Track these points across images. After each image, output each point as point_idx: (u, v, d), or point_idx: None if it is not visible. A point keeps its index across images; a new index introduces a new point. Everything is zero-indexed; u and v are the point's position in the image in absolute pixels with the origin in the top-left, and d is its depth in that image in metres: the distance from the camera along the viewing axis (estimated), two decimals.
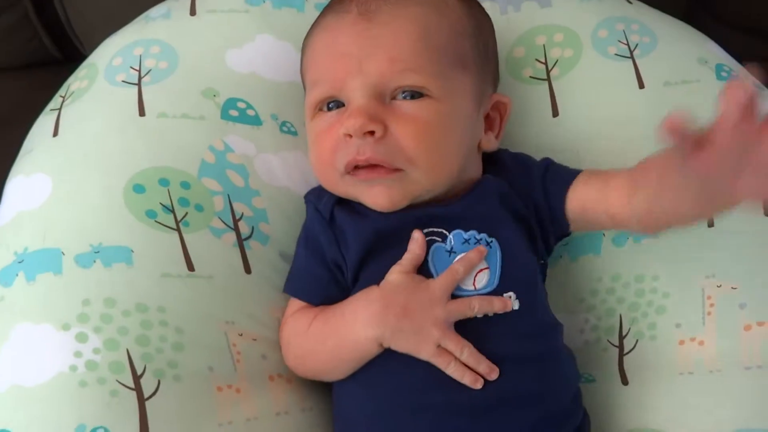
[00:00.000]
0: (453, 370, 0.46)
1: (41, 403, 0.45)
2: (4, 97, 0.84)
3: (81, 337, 0.46)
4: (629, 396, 0.55)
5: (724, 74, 0.61)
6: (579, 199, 0.51)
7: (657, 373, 0.55)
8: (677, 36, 0.63)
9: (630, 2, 0.65)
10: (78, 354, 0.46)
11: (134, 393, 0.46)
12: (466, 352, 0.46)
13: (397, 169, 0.48)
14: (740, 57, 0.85)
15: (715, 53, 0.63)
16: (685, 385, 0.53)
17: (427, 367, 0.47)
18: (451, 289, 0.47)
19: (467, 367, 0.46)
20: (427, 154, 0.48)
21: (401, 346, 0.47)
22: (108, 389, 0.46)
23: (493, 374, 0.46)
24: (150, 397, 0.46)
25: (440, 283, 0.47)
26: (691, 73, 0.60)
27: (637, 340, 0.56)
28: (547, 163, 0.54)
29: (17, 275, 0.49)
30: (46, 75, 0.85)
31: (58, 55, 0.87)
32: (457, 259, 0.48)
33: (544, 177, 0.52)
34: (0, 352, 0.47)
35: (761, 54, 0.90)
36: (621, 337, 0.57)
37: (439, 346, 0.46)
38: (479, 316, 0.47)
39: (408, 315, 0.47)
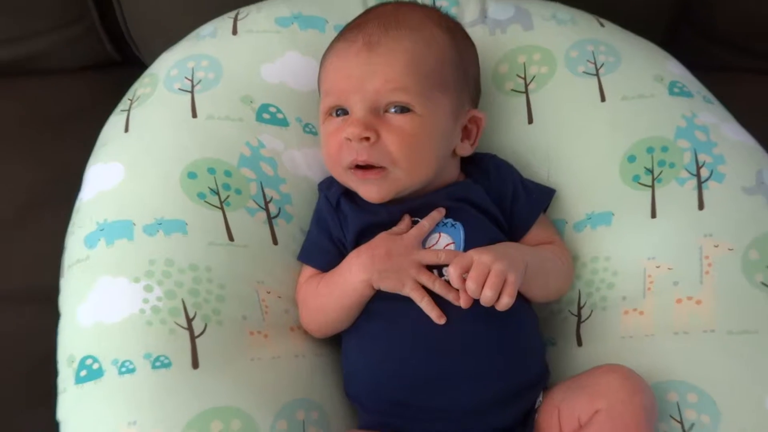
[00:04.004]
0: (425, 304, 0.58)
1: (117, 336, 0.58)
2: (72, 93, 0.96)
3: (148, 288, 0.59)
4: (582, 355, 0.65)
5: (676, 90, 0.70)
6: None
7: (605, 336, 0.65)
8: (640, 56, 0.72)
9: (602, 25, 0.75)
10: (145, 300, 0.59)
11: (187, 332, 0.59)
12: (438, 284, 0.58)
13: (382, 168, 0.60)
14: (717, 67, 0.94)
15: (672, 71, 0.72)
16: (625, 345, 0.63)
17: (410, 327, 0.59)
18: (420, 238, 0.61)
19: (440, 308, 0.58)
20: (408, 157, 0.60)
21: (386, 284, 0.59)
22: (168, 328, 0.59)
23: (463, 300, 0.56)
24: (199, 335, 0.59)
25: (412, 234, 0.61)
26: (647, 88, 0.69)
27: (591, 310, 0.67)
28: (515, 184, 0.66)
29: (99, 240, 0.62)
30: (107, 75, 0.99)
31: (117, 58, 0.99)
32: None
33: (514, 200, 0.65)
34: (87, 297, 0.60)
35: (737, 65, 1.00)
36: (579, 308, 0.67)
37: (416, 282, 0.58)
38: (446, 264, 0.59)
39: (389, 259, 0.59)
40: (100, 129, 0.76)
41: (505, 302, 0.56)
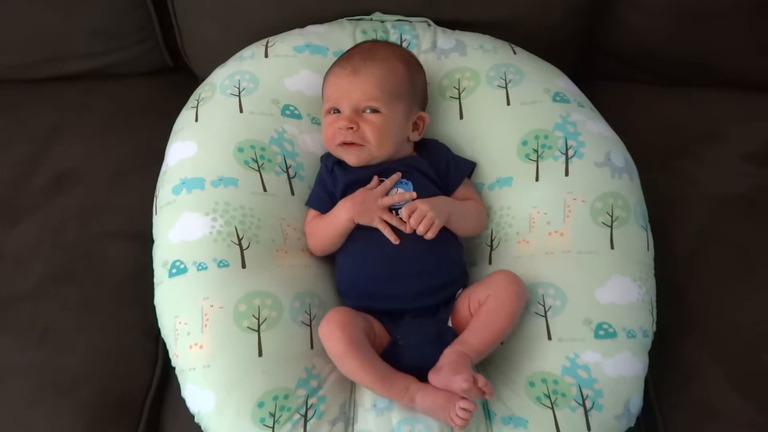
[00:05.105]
0: (387, 232, 0.89)
1: (195, 248, 0.88)
2: (141, 91, 1.22)
3: (214, 219, 0.89)
4: (491, 269, 0.93)
5: (558, 98, 0.99)
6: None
7: (506, 257, 0.94)
8: (537, 75, 1.01)
9: (515, 53, 1.05)
10: (212, 227, 0.89)
11: (238, 247, 0.89)
12: (394, 219, 0.89)
13: (361, 145, 0.93)
14: (616, 79, 1.24)
15: (558, 85, 1.02)
16: (517, 262, 0.92)
17: (377, 246, 0.89)
18: (384, 191, 0.91)
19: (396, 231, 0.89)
20: (376, 139, 0.92)
21: (363, 220, 0.90)
22: (226, 244, 0.89)
23: (408, 228, 0.88)
24: (245, 249, 0.89)
25: (379, 189, 0.92)
26: (538, 97, 0.98)
27: (498, 242, 0.96)
28: (448, 159, 0.95)
29: (182, 190, 0.92)
30: (165, 78, 1.27)
31: (173, 66, 1.25)
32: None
33: (447, 169, 0.95)
34: (175, 225, 0.91)
35: (630, 77, 1.26)
36: (491, 240, 0.96)
37: (381, 218, 0.89)
38: (400, 205, 0.90)
39: (364, 204, 0.90)
40: (163, 116, 1.06)
41: (429, 235, 0.89)
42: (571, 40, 1.21)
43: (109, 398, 0.93)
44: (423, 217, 0.89)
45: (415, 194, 0.92)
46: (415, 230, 0.90)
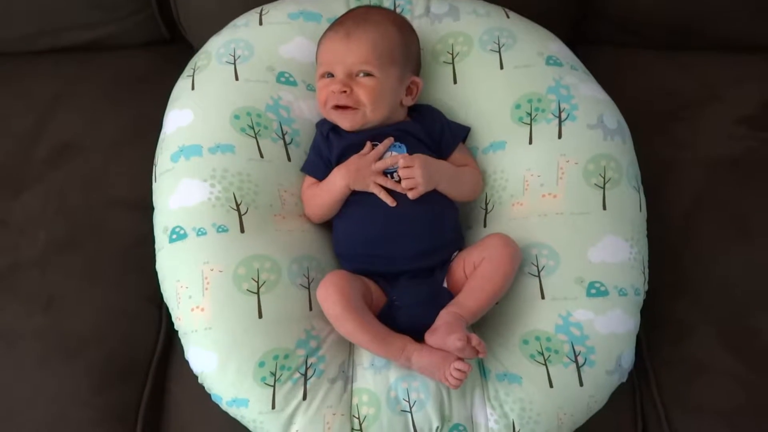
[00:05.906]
0: (383, 195, 0.90)
1: (194, 214, 0.90)
2: (137, 62, 1.23)
3: (212, 185, 0.91)
4: (486, 232, 0.95)
5: (551, 62, 1.00)
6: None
7: (500, 220, 0.96)
8: (530, 38, 1.02)
9: (508, 17, 1.05)
10: (211, 193, 0.90)
11: (237, 212, 0.90)
12: (390, 182, 0.91)
13: (355, 108, 0.94)
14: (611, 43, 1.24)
15: (551, 48, 1.02)
16: (511, 224, 0.94)
17: (374, 209, 0.90)
18: (378, 156, 0.92)
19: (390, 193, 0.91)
20: (370, 102, 0.93)
21: (358, 186, 0.91)
22: (225, 209, 0.90)
23: (402, 191, 0.90)
24: (244, 214, 0.90)
25: (373, 153, 0.93)
26: (531, 60, 0.99)
27: (493, 205, 0.97)
28: (442, 124, 0.96)
29: (180, 157, 0.93)
30: (161, 49, 1.27)
31: (168, 37, 1.25)
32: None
33: (441, 134, 0.97)
34: (174, 191, 0.92)
35: (627, 42, 1.27)
36: (486, 204, 0.97)
37: (376, 183, 0.91)
38: (393, 168, 0.92)
39: (358, 169, 0.91)
40: (160, 87, 1.06)
41: (410, 195, 0.90)
42: (565, 4, 1.21)
43: (116, 361, 0.96)
44: (411, 177, 0.90)
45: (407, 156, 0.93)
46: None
